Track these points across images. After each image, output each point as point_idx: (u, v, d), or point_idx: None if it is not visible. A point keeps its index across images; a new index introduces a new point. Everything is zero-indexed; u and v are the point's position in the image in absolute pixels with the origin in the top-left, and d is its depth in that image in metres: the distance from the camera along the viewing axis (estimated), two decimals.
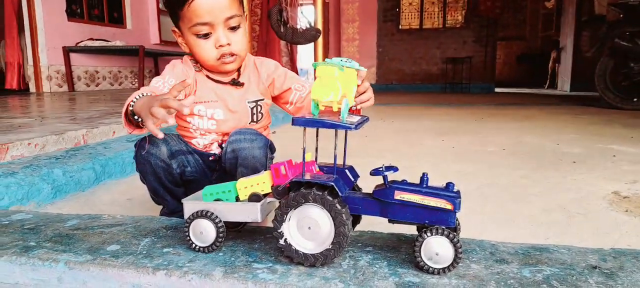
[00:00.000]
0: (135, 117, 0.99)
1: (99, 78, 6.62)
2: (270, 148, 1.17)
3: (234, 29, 1.13)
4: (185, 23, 1.12)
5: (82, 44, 6.06)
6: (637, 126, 3.56)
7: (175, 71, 1.18)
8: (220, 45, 1.12)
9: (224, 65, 1.16)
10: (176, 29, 1.18)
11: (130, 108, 0.99)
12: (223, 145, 1.21)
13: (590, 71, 5.39)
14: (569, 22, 9.23)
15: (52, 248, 0.93)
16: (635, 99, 4.85)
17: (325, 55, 7.47)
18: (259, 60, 1.30)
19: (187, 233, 0.90)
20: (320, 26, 6.61)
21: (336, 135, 0.86)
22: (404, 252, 0.91)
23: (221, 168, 1.20)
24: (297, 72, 10.85)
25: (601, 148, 2.56)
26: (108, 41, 6.36)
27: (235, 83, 1.20)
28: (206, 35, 1.12)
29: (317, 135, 0.91)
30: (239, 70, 1.23)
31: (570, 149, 2.55)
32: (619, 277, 0.80)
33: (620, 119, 4.05)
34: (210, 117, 1.20)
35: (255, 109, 1.24)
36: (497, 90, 9.96)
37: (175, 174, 1.16)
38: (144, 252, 0.91)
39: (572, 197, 1.61)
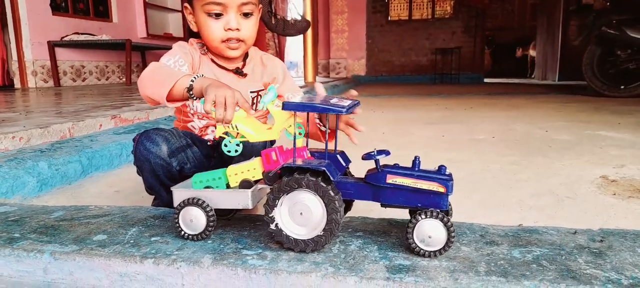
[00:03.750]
0: (191, 93, 0.93)
1: (85, 73, 6.53)
2: None
3: (246, 15, 1.12)
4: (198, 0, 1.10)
5: (67, 39, 5.96)
6: (624, 113, 3.60)
7: (183, 51, 1.17)
8: (229, 29, 1.11)
9: (228, 50, 1.15)
10: (188, 5, 1.16)
11: (190, 83, 0.93)
12: None
13: (577, 60, 5.44)
14: (547, 13, 9.34)
15: (37, 239, 0.91)
16: (622, 87, 4.91)
17: (315, 46, 7.45)
18: (267, 57, 1.30)
19: (176, 222, 0.89)
20: (309, 17, 6.58)
21: (327, 119, 0.85)
22: (395, 236, 0.91)
23: (218, 154, 1.19)
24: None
25: (589, 135, 2.59)
26: (94, 35, 6.27)
27: (239, 72, 1.20)
28: (218, 16, 1.10)
29: (307, 120, 0.90)
30: (244, 60, 1.22)
31: (559, 136, 2.57)
32: (607, 256, 0.80)
33: (608, 106, 4.09)
34: None
35: (256, 99, 1.24)
36: (486, 80, 10.02)
37: (174, 172, 1.14)
38: (132, 241, 0.90)
39: (561, 181, 1.62)
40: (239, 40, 1.13)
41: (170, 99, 0.96)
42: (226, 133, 0.87)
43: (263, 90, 1.25)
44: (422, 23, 10.05)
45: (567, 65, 8.89)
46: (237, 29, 1.11)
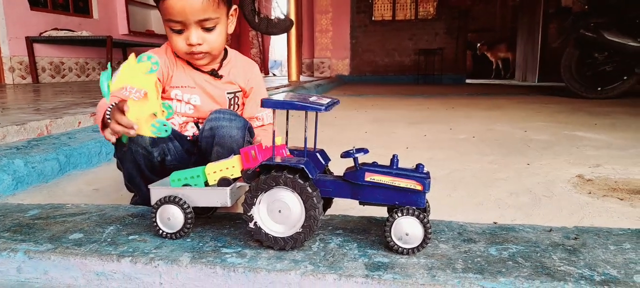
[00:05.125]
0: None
1: (64, 69, 6.41)
2: (250, 131, 1.16)
3: (208, 29, 1.11)
4: (161, 13, 1.10)
5: (46, 34, 5.84)
6: (601, 114, 3.69)
7: None
8: (189, 44, 1.10)
9: (194, 60, 1.16)
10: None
11: (108, 116, 0.99)
12: (199, 125, 1.20)
13: (557, 62, 5.55)
14: (528, 15, 9.54)
15: (11, 238, 0.89)
16: (599, 88, 5.02)
17: (299, 46, 7.44)
18: (250, 65, 1.30)
19: (154, 220, 0.88)
20: (293, 17, 6.57)
21: (306, 118, 0.85)
22: (374, 234, 0.92)
23: (198, 150, 1.19)
24: (268, 65, 10.78)
25: (567, 135, 2.64)
26: (73, 31, 6.15)
27: (214, 74, 1.20)
28: (179, 31, 1.10)
29: (287, 118, 0.90)
30: (221, 61, 1.22)
31: (537, 136, 2.61)
32: (581, 253, 0.82)
33: (585, 107, 4.18)
34: (187, 101, 1.19)
35: (233, 99, 1.24)
36: (467, 81, 10.15)
37: (155, 162, 1.13)
38: (109, 240, 0.88)
39: (538, 180, 1.65)
40: (202, 52, 1.13)
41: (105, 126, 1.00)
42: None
43: (239, 91, 1.25)
44: (405, 24, 10.12)
45: (547, 67, 9.06)
46: (199, 44, 1.10)
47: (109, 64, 0.89)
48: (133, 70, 0.86)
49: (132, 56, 0.86)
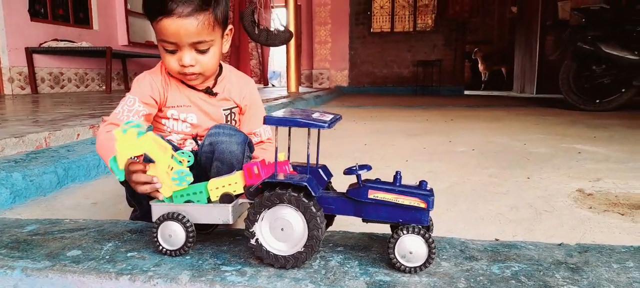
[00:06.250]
0: None
1: (64, 80, 6.41)
2: (250, 146, 1.15)
3: (202, 51, 1.09)
4: (155, 32, 1.09)
5: (45, 45, 5.85)
6: (599, 126, 3.70)
7: (141, 89, 1.14)
8: (182, 65, 1.08)
9: (186, 80, 1.14)
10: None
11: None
12: (198, 140, 1.19)
13: (554, 74, 5.57)
14: (525, 27, 9.60)
15: (8, 255, 0.88)
16: (597, 101, 5.03)
17: (298, 57, 7.47)
18: (245, 81, 1.28)
19: (155, 236, 0.87)
20: (292, 28, 6.60)
21: (309, 134, 0.84)
22: (375, 252, 0.91)
23: (197, 165, 1.18)
24: (267, 76, 10.80)
25: (566, 148, 2.64)
26: (73, 42, 6.16)
27: (209, 92, 1.19)
28: (172, 52, 1.08)
29: (289, 135, 0.90)
30: (216, 78, 1.21)
31: (536, 149, 2.62)
32: (584, 272, 0.81)
33: (584, 120, 4.19)
34: (183, 120, 1.18)
35: (229, 116, 1.24)
36: (466, 92, 10.18)
37: None
38: (107, 257, 0.87)
39: (539, 194, 1.65)
40: (195, 74, 1.11)
41: None
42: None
43: (235, 107, 1.24)
44: (403, 36, 10.17)
45: (545, 79, 9.10)
46: (191, 65, 1.08)
47: (114, 157, 0.90)
48: (126, 143, 0.87)
49: (117, 131, 0.87)
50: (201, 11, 1.03)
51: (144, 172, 0.91)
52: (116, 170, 0.90)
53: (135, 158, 0.96)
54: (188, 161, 0.93)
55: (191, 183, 0.91)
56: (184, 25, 1.02)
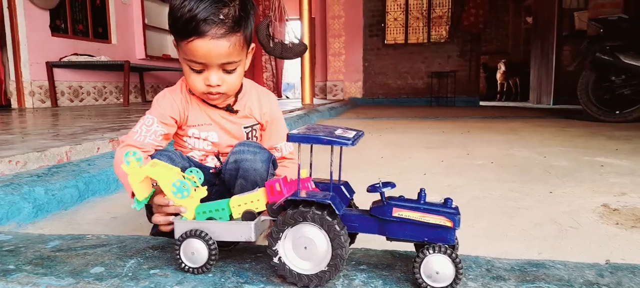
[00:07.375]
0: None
1: (83, 93, 6.52)
2: (274, 164, 1.15)
3: (229, 71, 1.09)
4: (182, 52, 1.08)
5: (66, 59, 5.97)
6: (621, 138, 3.62)
7: (161, 109, 1.15)
8: (208, 85, 1.08)
9: (210, 99, 1.14)
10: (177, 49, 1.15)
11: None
12: (220, 157, 1.19)
13: (572, 84, 5.49)
14: (541, 38, 9.50)
15: (33, 271, 0.89)
16: (617, 112, 4.94)
17: (312, 69, 7.49)
18: (265, 97, 1.27)
19: (177, 254, 0.87)
20: (306, 41, 6.63)
21: (332, 151, 0.84)
22: (399, 270, 0.89)
23: (221, 182, 1.18)
24: (281, 88, 10.85)
25: (588, 161, 2.59)
26: (93, 56, 6.28)
27: (229, 109, 1.19)
28: (199, 71, 1.08)
29: (311, 151, 0.89)
30: (236, 95, 1.21)
31: (557, 162, 2.57)
32: None
33: (604, 131, 4.11)
34: (204, 138, 1.18)
35: (250, 133, 1.23)
36: (481, 103, 10.10)
37: None
38: (130, 274, 0.87)
39: (562, 210, 1.61)
40: (220, 93, 1.11)
41: None
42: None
43: (257, 124, 1.24)
44: (418, 47, 10.15)
45: (562, 90, 8.98)
46: (218, 85, 1.08)
47: (136, 199, 0.98)
48: (135, 174, 0.92)
49: (123, 165, 0.92)
50: (233, 33, 1.03)
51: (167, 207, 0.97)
52: (141, 205, 0.98)
53: (154, 184, 0.99)
54: (199, 179, 0.96)
55: (203, 198, 0.94)
56: (216, 47, 1.02)
